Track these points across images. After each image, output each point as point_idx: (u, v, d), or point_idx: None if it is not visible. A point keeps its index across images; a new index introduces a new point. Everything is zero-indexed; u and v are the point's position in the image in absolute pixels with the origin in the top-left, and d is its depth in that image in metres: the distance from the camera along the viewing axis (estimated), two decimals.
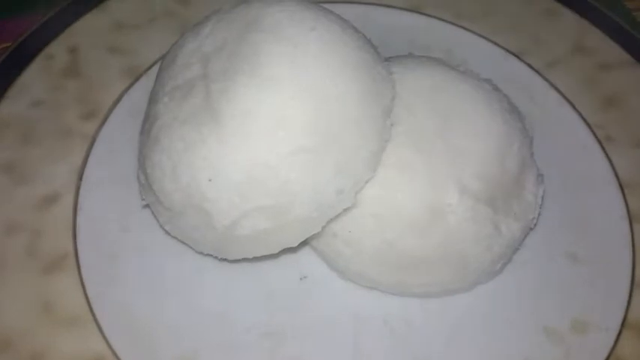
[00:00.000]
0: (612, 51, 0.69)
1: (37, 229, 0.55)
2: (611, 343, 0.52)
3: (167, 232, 0.54)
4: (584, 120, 0.64)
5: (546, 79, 0.68)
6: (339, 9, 0.71)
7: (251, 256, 0.52)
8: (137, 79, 0.65)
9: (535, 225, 0.56)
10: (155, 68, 0.65)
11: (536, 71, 0.68)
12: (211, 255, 0.54)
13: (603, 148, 0.62)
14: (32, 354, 0.49)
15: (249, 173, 0.46)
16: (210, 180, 0.47)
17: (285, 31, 0.48)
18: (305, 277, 0.56)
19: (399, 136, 0.51)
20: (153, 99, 0.53)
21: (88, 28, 0.68)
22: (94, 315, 0.52)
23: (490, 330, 0.54)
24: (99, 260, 0.55)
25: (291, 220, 0.48)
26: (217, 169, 0.46)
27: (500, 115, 0.53)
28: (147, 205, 0.54)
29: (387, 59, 0.56)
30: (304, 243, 0.52)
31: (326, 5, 0.70)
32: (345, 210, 0.49)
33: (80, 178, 0.59)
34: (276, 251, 0.51)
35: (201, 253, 0.54)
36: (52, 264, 0.54)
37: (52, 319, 0.51)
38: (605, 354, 0.51)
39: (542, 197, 0.56)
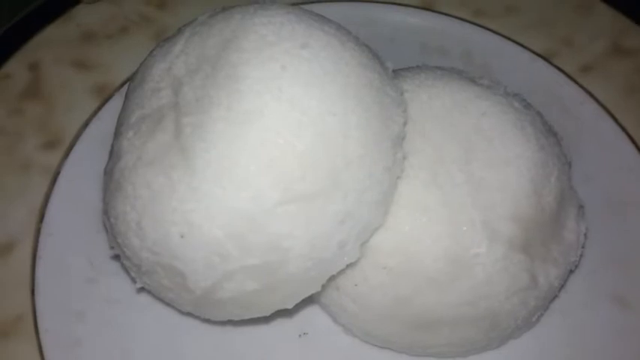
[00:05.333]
0: None
1: None
2: None
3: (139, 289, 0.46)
4: (628, 134, 0.56)
5: (581, 86, 0.59)
6: (345, 8, 0.64)
7: (238, 319, 0.44)
8: (107, 99, 0.57)
9: (577, 267, 0.47)
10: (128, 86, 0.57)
11: (569, 77, 0.60)
12: (192, 314, 0.46)
13: None
14: None
15: (230, 228, 0.38)
16: (182, 237, 0.38)
17: (271, 50, 0.39)
18: (305, 333, 0.48)
19: (413, 170, 0.43)
20: (117, 131, 0.44)
21: (50, 40, 0.60)
22: None
23: None
24: (61, 320, 0.47)
25: (284, 280, 0.40)
26: (190, 224, 0.38)
27: (535, 140, 0.45)
28: (116, 256, 0.46)
29: (396, 72, 0.47)
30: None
31: (330, 4, 0.64)
32: (350, 265, 0.41)
33: (40, 220, 0.51)
34: (268, 314, 0.43)
35: (179, 311, 0.46)
36: (6, 328, 0.46)
37: None
38: None
39: (585, 235, 0.47)
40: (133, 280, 0.45)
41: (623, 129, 0.56)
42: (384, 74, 0.43)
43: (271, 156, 0.37)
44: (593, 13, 0.64)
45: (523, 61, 0.61)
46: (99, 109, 0.57)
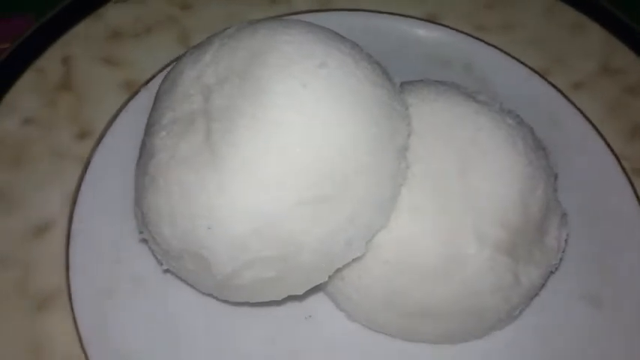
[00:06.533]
0: None
1: (28, 262, 0.52)
2: None
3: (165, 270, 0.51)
4: (611, 150, 0.60)
5: (572, 103, 0.63)
6: (356, 18, 0.68)
7: (253, 302, 0.49)
8: (134, 94, 0.62)
9: (557, 269, 0.53)
10: (154, 81, 0.62)
11: (562, 93, 0.64)
12: (211, 295, 0.51)
13: (631, 182, 0.58)
14: None
15: (252, 224, 0.43)
16: (209, 228, 0.43)
17: (292, 68, 0.43)
18: (311, 316, 0.53)
19: (415, 177, 0.48)
20: (150, 130, 0.49)
21: (82, 37, 0.64)
22: (87, 357, 0.49)
23: None
24: (92, 296, 0.52)
25: (296, 270, 0.45)
26: (217, 219, 0.43)
27: (525, 155, 0.50)
28: (144, 240, 0.51)
29: (403, 85, 0.52)
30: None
31: (343, 14, 0.68)
32: (355, 259, 0.46)
33: (73, 204, 0.55)
34: (280, 298, 0.48)
35: (200, 292, 0.51)
36: (44, 301, 0.51)
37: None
38: None
39: (566, 240, 0.52)
40: (159, 263, 0.50)
41: (607, 143, 0.61)
42: (392, 90, 0.48)
43: (290, 163, 0.42)
44: (586, 33, 0.68)
45: (520, 76, 0.65)
46: (126, 103, 0.61)
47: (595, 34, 0.68)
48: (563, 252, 0.52)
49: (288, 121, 0.42)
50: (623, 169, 0.59)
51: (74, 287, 0.52)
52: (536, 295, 0.52)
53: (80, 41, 0.64)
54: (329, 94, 0.43)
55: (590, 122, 0.62)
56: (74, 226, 0.55)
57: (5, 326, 0.50)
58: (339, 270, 0.47)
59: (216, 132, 0.44)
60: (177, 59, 0.61)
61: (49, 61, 0.62)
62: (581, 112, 0.63)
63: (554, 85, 0.65)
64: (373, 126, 0.44)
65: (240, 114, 0.43)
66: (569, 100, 0.64)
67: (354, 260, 0.46)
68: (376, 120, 0.45)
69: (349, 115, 0.43)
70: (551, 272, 0.52)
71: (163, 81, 0.51)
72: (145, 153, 0.49)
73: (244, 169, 0.42)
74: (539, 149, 0.52)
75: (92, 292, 0.52)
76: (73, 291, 0.52)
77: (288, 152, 0.42)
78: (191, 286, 0.51)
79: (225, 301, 0.51)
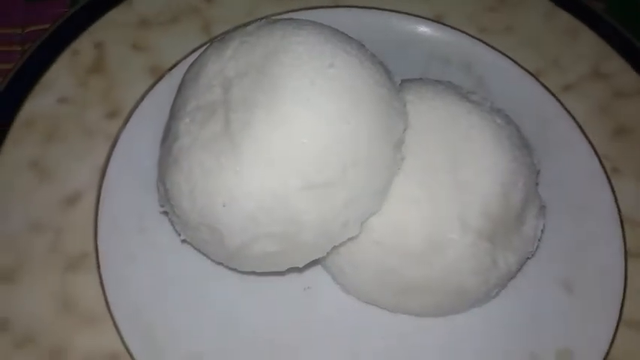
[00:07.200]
0: (629, 79, 0.69)
1: (59, 228, 0.58)
2: None
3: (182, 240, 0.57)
4: (594, 149, 0.65)
5: (561, 103, 0.68)
6: (361, 15, 0.73)
7: (259, 271, 0.55)
8: (160, 78, 0.67)
9: (533, 255, 0.58)
10: (178, 67, 0.67)
11: (552, 94, 0.69)
12: (222, 264, 0.57)
13: (609, 181, 0.64)
14: (51, 349, 0.53)
15: (262, 203, 0.49)
16: (224, 205, 0.49)
17: (304, 68, 0.49)
18: (309, 287, 0.59)
19: (408, 168, 0.53)
20: (174, 114, 0.55)
21: (113, 23, 0.69)
22: (111, 314, 0.55)
23: (479, 350, 0.57)
24: (117, 260, 0.58)
25: (298, 245, 0.51)
26: (232, 197, 0.49)
27: (509, 152, 0.55)
28: (165, 212, 0.57)
29: (403, 82, 0.57)
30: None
31: (349, 10, 0.73)
32: (350, 238, 0.52)
33: (102, 177, 0.61)
34: (283, 269, 0.54)
35: (212, 260, 0.57)
36: (73, 263, 0.57)
37: (71, 316, 0.55)
38: None
39: (543, 230, 0.57)
40: (178, 234, 0.56)
41: (590, 143, 0.66)
42: (392, 88, 0.53)
43: (297, 152, 0.48)
44: (580, 38, 0.72)
45: (514, 76, 0.70)
46: (152, 86, 0.66)
47: (588, 39, 0.72)
48: (540, 240, 0.57)
49: (298, 115, 0.48)
50: (604, 167, 0.64)
51: (101, 252, 0.58)
52: (513, 278, 0.58)
53: (112, 27, 0.69)
54: (335, 91, 0.49)
55: (577, 122, 0.67)
56: (102, 197, 0.60)
57: (38, 283, 0.56)
58: (335, 247, 0.52)
59: (234, 122, 0.49)
60: (200, 48, 0.67)
61: (83, 45, 0.68)
62: (569, 113, 0.67)
63: (545, 86, 0.69)
64: (373, 121, 0.50)
65: (256, 107, 0.49)
66: (558, 100, 0.68)
67: (349, 239, 0.52)
68: (376, 116, 0.50)
69: (352, 111, 0.49)
70: (528, 258, 0.58)
71: (188, 70, 0.57)
72: (169, 135, 0.55)
73: (257, 155, 0.48)
74: (523, 147, 0.57)
75: (117, 257, 0.58)
76: (100, 255, 0.58)
77: (294, 143, 0.48)
78: (205, 255, 0.57)
79: (234, 270, 0.57)
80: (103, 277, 0.57)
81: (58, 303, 0.55)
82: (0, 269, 0.56)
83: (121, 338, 0.54)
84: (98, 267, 0.57)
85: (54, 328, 0.54)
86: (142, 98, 0.66)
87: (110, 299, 0.56)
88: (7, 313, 0.54)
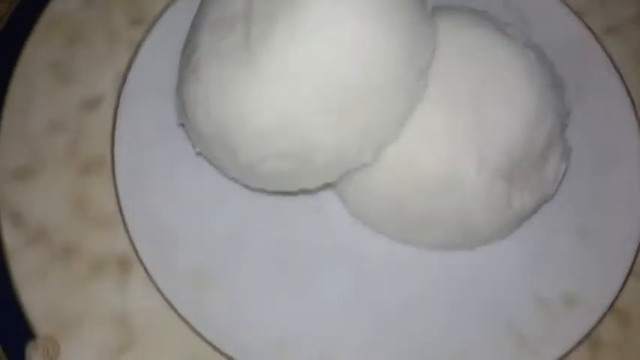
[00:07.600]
0: None
1: (78, 130, 0.59)
2: (594, 323, 0.54)
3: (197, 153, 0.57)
4: (631, 98, 0.63)
5: (602, 45, 0.65)
6: None
7: (270, 190, 0.55)
8: None
9: (552, 198, 0.57)
10: None
11: (594, 35, 0.66)
12: (235, 180, 0.57)
13: None
14: (64, 246, 0.55)
15: (276, 120, 0.48)
16: (237, 118, 0.49)
17: None
18: (319, 209, 0.59)
19: (430, 99, 0.51)
20: (196, 25, 0.54)
21: None
22: (123, 219, 0.56)
23: (483, 287, 0.56)
24: (132, 167, 0.59)
25: (310, 168, 0.50)
26: (247, 111, 0.48)
27: (537, 90, 0.53)
28: (182, 124, 0.57)
29: (435, 9, 0.55)
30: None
31: None
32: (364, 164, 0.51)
33: (123, 84, 0.61)
34: (294, 190, 0.54)
35: (226, 176, 0.57)
36: (89, 165, 0.58)
37: (84, 217, 0.56)
38: (584, 331, 0.54)
39: (564, 174, 0.56)
40: (193, 146, 0.56)
41: (628, 91, 0.63)
42: (423, 13, 0.51)
43: (315, 73, 0.46)
44: None
45: (556, 14, 0.66)
46: None
47: None
48: (560, 184, 0.56)
49: (319, 34, 0.46)
50: (638, 119, 0.62)
51: (117, 158, 0.58)
52: (527, 219, 0.56)
53: None
54: (359, 13, 0.47)
55: (616, 67, 0.64)
56: (122, 103, 0.60)
57: (55, 183, 0.57)
58: (348, 172, 0.52)
59: (254, 33, 0.48)
60: None
61: None
62: (609, 56, 0.64)
63: (588, 26, 0.66)
64: (398, 44, 0.48)
65: (278, 20, 0.47)
66: (599, 42, 0.65)
67: (362, 165, 0.51)
68: (401, 42, 0.48)
69: (376, 29, 0.47)
70: (545, 201, 0.56)
71: None
72: (189, 46, 0.54)
73: (275, 70, 0.47)
74: (556, 86, 0.55)
75: (132, 164, 0.58)
76: (115, 161, 0.58)
77: (313, 64, 0.46)
78: (218, 169, 0.57)
79: (247, 187, 0.57)
80: (118, 182, 0.58)
81: (72, 203, 0.56)
82: (17, 167, 0.57)
83: (132, 243, 0.56)
84: (113, 172, 0.58)
85: (67, 227, 0.55)
86: (167, 6, 0.65)
87: (123, 204, 0.57)
88: (21, 208, 0.55)
